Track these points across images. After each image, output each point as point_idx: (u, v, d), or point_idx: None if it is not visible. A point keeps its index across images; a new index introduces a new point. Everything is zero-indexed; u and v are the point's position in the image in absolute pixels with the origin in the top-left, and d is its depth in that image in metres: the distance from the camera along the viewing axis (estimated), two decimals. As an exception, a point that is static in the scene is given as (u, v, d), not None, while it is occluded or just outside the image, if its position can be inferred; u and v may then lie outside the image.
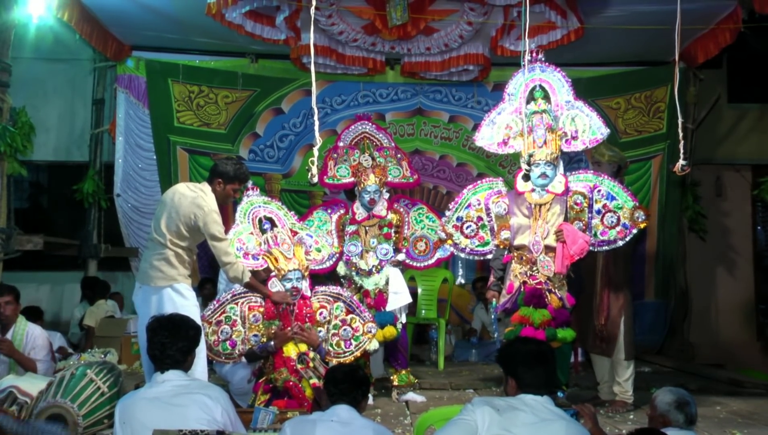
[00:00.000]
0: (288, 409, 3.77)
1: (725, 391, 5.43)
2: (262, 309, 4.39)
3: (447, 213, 4.79)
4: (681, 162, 4.17)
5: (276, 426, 3.36)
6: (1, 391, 3.78)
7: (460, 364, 6.63)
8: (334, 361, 4.34)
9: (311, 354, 4.25)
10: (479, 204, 4.71)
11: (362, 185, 5.08)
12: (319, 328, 4.44)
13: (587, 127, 4.42)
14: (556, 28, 6.14)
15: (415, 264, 5.24)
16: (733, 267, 8.23)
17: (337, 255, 5.12)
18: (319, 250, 4.73)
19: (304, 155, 7.51)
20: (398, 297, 5.02)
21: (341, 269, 5.15)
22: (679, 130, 4.26)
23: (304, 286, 4.49)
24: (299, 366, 4.17)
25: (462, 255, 4.81)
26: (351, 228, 5.13)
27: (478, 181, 4.81)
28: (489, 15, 6.34)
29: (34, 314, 5.45)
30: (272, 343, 4.24)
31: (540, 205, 4.43)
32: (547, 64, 4.55)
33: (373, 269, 5.03)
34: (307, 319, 4.38)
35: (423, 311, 6.66)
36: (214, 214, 4.04)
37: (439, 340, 6.30)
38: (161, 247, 4.01)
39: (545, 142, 4.42)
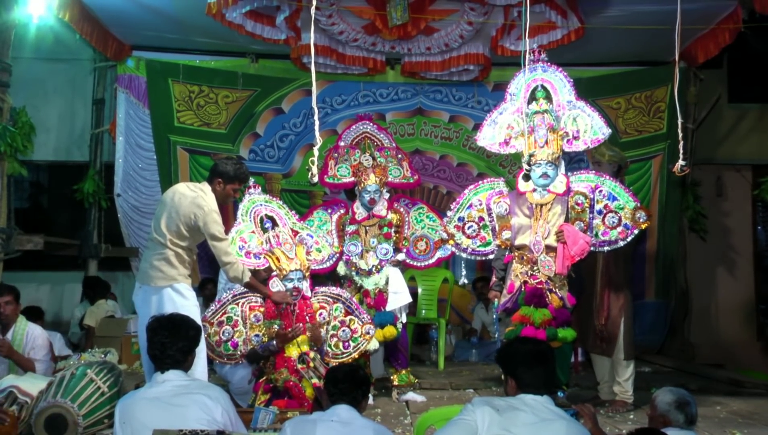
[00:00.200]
0: (288, 409, 3.77)
1: (725, 391, 5.42)
2: (262, 309, 4.39)
3: (448, 213, 4.79)
4: (680, 162, 4.17)
5: (276, 426, 3.36)
6: (1, 391, 3.78)
7: (460, 364, 6.63)
8: (333, 362, 4.34)
9: (312, 354, 4.25)
10: (481, 204, 4.71)
11: (362, 185, 5.08)
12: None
13: (589, 127, 4.42)
14: (557, 28, 6.14)
15: (415, 264, 5.25)
16: (734, 267, 8.23)
17: (337, 255, 5.12)
18: (319, 251, 4.73)
19: (305, 155, 7.51)
20: (398, 297, 5.02)
21: (341, 269, 5.15)
22: (679, 131, 4.26)
23: (305, 286, 4.49)
24: (300, 366, 4.17)
25: (464, 255, 4.81)
26: (351, 228, 5.14)
27: (480, 182, 4.81)
28: (489, 15, 6.34)
29: (34, 314, 5.45)
30: (274, 342, 4.24)
31: (541, 205, 4.43)
32: (549, 63, 4.55)
33: (373, 269, 5.03)
34: (308, 319, 4.38)
35: (423, 311, 6.66)
36: (214, 213, 4.04)
37: (439, 340, 6.30)
38: (161, 247, 4.01)
39: (546, 142, 4.42)
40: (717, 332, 8.10)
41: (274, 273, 4.44)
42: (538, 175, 4.41)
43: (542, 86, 4.51)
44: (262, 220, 4.56)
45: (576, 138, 4.45)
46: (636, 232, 4.39)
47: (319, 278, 5.31)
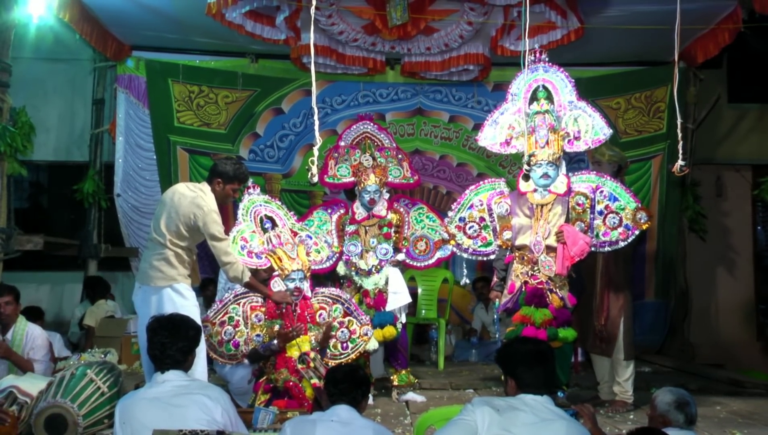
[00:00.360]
0: (288, 409, 3.78)
1: (725, 391, 5.42)
2: (264, 309, 4.39)
3: (450, 214, 4.79)
4: (680, 162, 4.16)
5: (276, 426, 3.36)
6: (1, 391, 3.78)
7: (460, 364, 6.63)
8: (331, 363, 4.34)
9: (312, 354, 4.25)
10: (481, 204, 4.71)
11: (362, 185, 5.08)
12: (319, 329, 4.45)
13: (590, 127, 4.42)
14: (556, 28, 6.14)
15: (415, 264, 5.25)
16: (733, 267, 8.23)
17: (337, 255, 5.12)
18: (318, 251, 4.73)
19: (304, 155, 7.50)
20: (398, 297, 5.02)
21: (341, 269, 5.16)
22: (678, 131, 4.26)
23: (306, 286, 4.49)
24: (300, 366, 4.17)
25: (465, 255, 4.81)
26: (351, 228, 5.14)
27: (481, 182, 4.81)
28: (489, 15, 6.34)
29: (34, 314, 5.45)
30: (275, 341, 4.24)
31: (542, 206, 4.43)
32: (550, 64, 4.55)
33: (373, 269, 5.03)
34: (308, 320, 4.38)
35: (423, 311, 6.66)
36: (214, 213, 4.04)
37: (439, 340, 6.30)
38: (161, 247, 4.01)
39: (547, 143, 4.42)
40: (717, 332, 8.10)
41: (276, 273, 4.44)
42: (538, 176, 4.41)
43: (543, 86, 4.51)
44: (261, 220, 4.56)
45: (577, 138, 4.45)
46: (637, 232, 4.39)
47: (318, 278, 5.31)
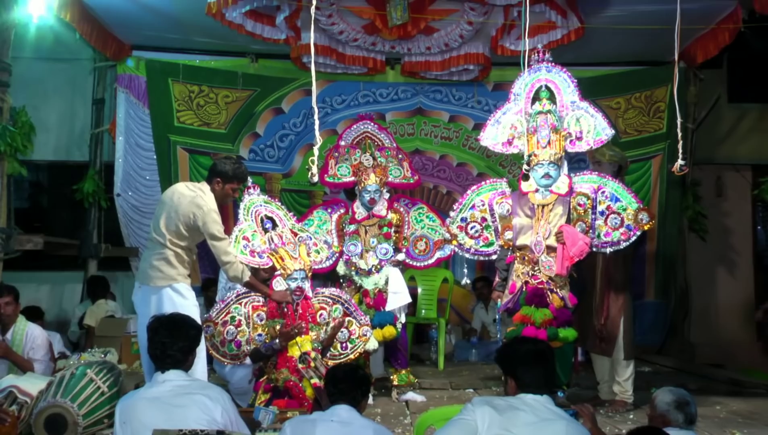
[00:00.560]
0: (288, 409, 3.78)
1: (725, 391, 5.42)
2: (265, 308, 4.39)
3: (451, 214, 4.78)
4: (679, 162, 4.17)
5: (276, 426, 3.36)
6: (1, 391, 3.78)
7: (460, 364, 6.63)
8: (330, 363, 4.34)
9: (313, 354, 4.25)
10: (483, 205, 4.70)
11: (363, 185, 5.08)
12: (319, 329, 4.45)
13: (592, 127, 4.42)
14: (557, 27, 6.14)
15: (415, 264, 5.25)
16: (733, 267, 8.22)
17: (337, 254, 5.12)
18: (318, 252, 4.73)
19: (305, 155, 7.50)
20: (398, 297, 5.02)
21: (341, 269, 5.16)
22: (678, 130, 4.26)
23: (307, 286, 4.49)
24: (301, 365, 4.17)
25: (467, 255, 4.81)
26: (351, 227, 5.14)
27: (483, 182, 4.80)
28: (489, 15, 6.34)
29: (34, 314, 5.46)
30: (277, 341, 4.24)
31: (543, 206, 4.43)
32: (553, 64, 4.55)
33: (373, 269, 5.03)
34: (310, 319, 4.38)
35: (423, 311, 6.66)
36: (213, 213, 4.04)
37: (439, 340, 6.29)
38: (161, 247, 4.01)
39: (549, 143, 4.42)
40: (717, 332, 8.09)
41: (278, 272, 4.44)
42: (540, 176, 4.40)
43: (546, 86, 4.51)
44: (262, 220, 4.56)
45: (579, 139, 4.45)
46: (638, 233, 4.39)
47: (318, 278, 5.31)
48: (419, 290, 6.65)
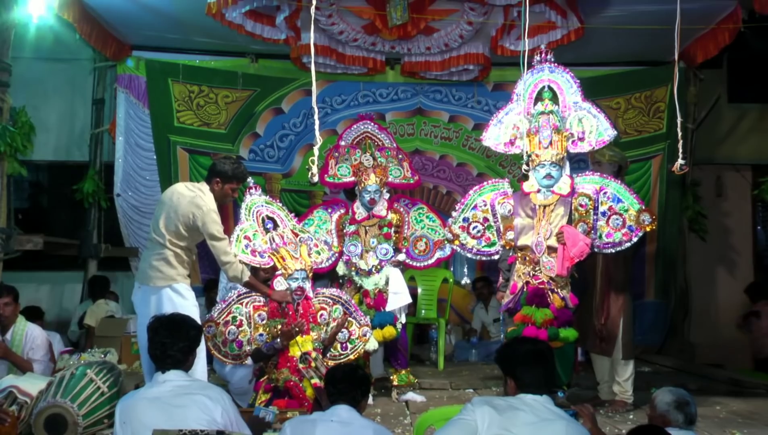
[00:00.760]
0: (288, 409, 3.78)
1: (725, 391, 5.42)
2: (267, 308, 4.39)
3: (453, 214, 4.78)
4: (679, 161, 4.17)
5: (276, 426, 3.36)
6: (1, 391, 3.78)
7: (460, 364, 6.63)
8: (330, 363, 4.34)
9: (313, 354, 4.25)
10: (485, 205, 4.70)
11: (363, 185, 5.08)
12: (320, 329, 4.45)
13: (594, 128, 4.41)
14: (556, 27, 6.14)
15: (415, 264, 5.25)
16: (733, 267, 8.23)
17: (337, 254, 5.12)
18: (318, 253, 4.73)
19: (305, 155, 7.50)
20: (398, 297, 5.02)
21: (341, 269, 5.16)
22: (678, 130, 4.26)
23: (308, 286, 4.49)
24: (301, 365, 4.17)
25: (469, 255, 4.80)
26: (351, 228, 5.14)
27: (484, 183, 4.79)
28: (489, 15, 6.34)
29: (34, 314, 5.45)
30: (278, 340, 4.24)
31: (544, 206, 4.43)
32: (556, 64, 4.55)
33: (373, 269, 5.03)
34: (310, 319, 4.39)
35: (423, 311, 6.66)
36: (213, 213, 4.04)
37: (439, 340, 6.29)
38: (160, 247, 4.01)
39: (551, 143, 4.41)
40: (717, 332, 8.08)
41: (279, 272, 4.44)
42: (541, 176, 4.40)
43: (549, 87, 4.51)
44: (263, 220, 4.56)
45: (581, 139, 4.44)
46: (640, 234, 4.38)
47: (318, 278, 5.30)
48: (419, 290, 6.65)
